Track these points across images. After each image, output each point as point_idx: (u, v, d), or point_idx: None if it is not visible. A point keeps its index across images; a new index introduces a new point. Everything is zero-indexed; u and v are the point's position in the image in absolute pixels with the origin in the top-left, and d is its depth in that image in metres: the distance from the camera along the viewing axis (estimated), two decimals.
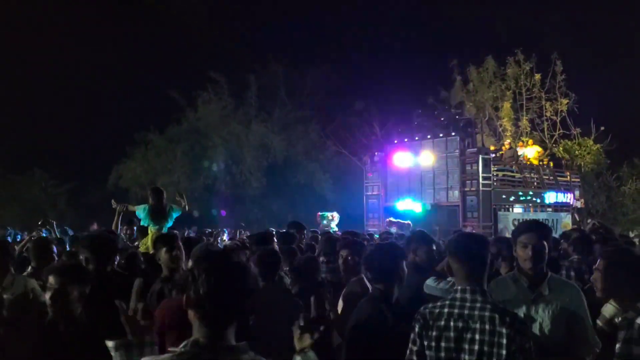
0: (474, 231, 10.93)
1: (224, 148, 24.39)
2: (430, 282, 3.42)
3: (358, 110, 24.90)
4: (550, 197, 15.84)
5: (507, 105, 23.49)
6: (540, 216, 15.29)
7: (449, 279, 3.52)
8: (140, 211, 7.03)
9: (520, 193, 14.96)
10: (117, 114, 25.04)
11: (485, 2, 29.07)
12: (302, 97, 26.32)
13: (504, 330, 2.26)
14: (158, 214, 6.96)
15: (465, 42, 26.26)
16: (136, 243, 7.36)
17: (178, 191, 8.04)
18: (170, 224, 7.17)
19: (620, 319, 2.71)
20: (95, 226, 14.20)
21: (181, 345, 1.74)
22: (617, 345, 2.49)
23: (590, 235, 5.64)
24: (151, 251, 6.50)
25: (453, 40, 26.53)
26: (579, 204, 17.67)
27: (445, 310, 2.40)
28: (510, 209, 15.14)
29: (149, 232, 6.99)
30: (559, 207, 16.32)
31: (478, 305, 2.35)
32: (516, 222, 12.16)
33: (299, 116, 25.73)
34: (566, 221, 15.94)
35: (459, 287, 2.43)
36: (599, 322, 3.01)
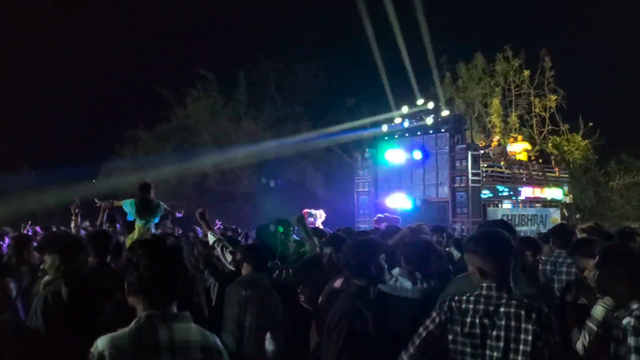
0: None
1: (213, 145, 24.28)
2: None
3: (348, 107, 24.88)
4: (537, 192, 15.93)
5: (496, 101, 23.57)
6: (529, 211, 15.38)
7: (394, 270, 3.47)
8: (127, 206, 6.94)
9: (500, 187, 14.98)
10: (106, 111, 24.84)
11: None
12: (292, 94, 26.22)
13: (529, 327, 2.25)
14: (145, 209, 6.89)
15: (454, 39, 26.26)
16: (122, 238, 7.29)
17: (176, 206, 8.06)
18: (157, 219, 7.12)
19: (614, 316, 2.68)
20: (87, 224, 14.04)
21: (134, 321, 1.84)
22: (611, 345, 2.51)
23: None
24: None
25: (442, 37, 26.50)
26: (567, 199, 17.79)
27: (471, 306, 2.38)
28: (500, 205, 15.21)
29: (136, 226, 6.92)
30: (547, 202, 16.43)
31: (503, 301, 2.33)
32: (505, 218, 12.25)
33: (289, 113, 25.64)
34: (555, 216, 16.06)
35: (484, 284, 2.40)
36: (590, 324, 2.96)
